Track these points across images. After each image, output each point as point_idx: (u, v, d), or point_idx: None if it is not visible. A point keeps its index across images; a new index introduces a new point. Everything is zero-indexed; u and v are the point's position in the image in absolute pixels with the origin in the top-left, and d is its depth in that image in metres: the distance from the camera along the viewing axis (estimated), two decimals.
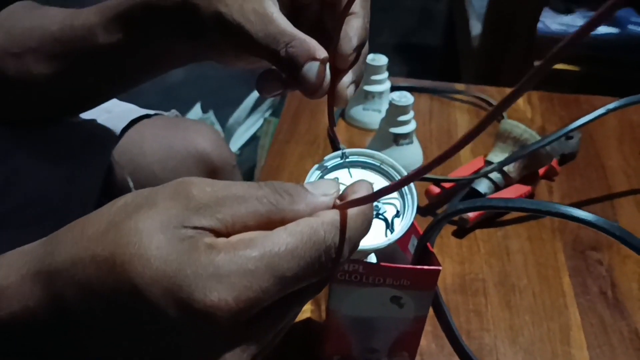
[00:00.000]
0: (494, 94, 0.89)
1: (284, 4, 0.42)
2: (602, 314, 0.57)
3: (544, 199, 0.70)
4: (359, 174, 0.42)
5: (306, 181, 0.42)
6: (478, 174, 0.66)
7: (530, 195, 0.70)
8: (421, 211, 0.68)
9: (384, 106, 0.80)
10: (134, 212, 0.27)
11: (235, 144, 1.36)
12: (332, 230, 0.28)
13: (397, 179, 0.41)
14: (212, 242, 0.26)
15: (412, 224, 0.40)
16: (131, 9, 0.46)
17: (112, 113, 0.62)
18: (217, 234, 0.27)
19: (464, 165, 0.71)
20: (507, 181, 0.68)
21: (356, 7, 0.39)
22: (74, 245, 0.27)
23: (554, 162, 0.72)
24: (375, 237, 0.39)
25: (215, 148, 0.64)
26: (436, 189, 0.67)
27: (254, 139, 1.39)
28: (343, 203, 0.29)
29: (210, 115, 1.46)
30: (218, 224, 0.27)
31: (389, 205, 0.41)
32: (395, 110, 0.71)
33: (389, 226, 0.40)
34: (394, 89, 0.85)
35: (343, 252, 0.29)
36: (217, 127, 1.43)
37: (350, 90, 0.40)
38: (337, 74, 0.40)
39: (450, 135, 0.81)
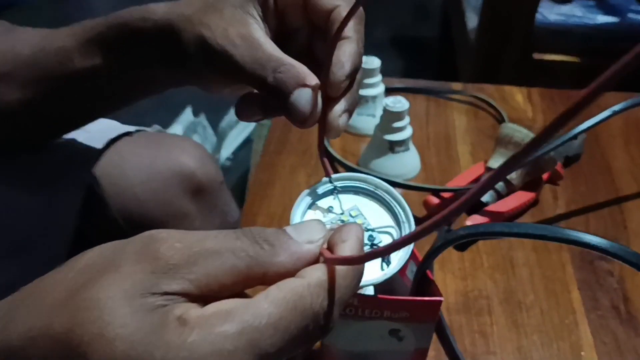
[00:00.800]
0: (493, 93, 0.85)
1: (271, 28, 0.39)
2: (615, 331, 0.54)
3: (549, 205, 0.67)
4: (351, 200, 0.38)
5: (295, 208, 0.38)
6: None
7: (535, 202, 0.67)
8: (420, 223, 0.65)
9: (378, 111, 0.76)
10: (95, 278, 0.24)
11: (228, 148, 1.33)
12: (320, 293, 0.25)
13: (392, 205, 0.38)
14: (185, 315, 0.23)
15: (412, 252, 0.37)
16: (108, 32, 0.43)
17: (91, 132, 0.59)
18: (191, 297, 0.24)
19: (464, 172, 0.68)
20: (510, 188, 0.65)
21: (349, 31, 0.36)
22: (30, 317, 0.24)
23: (558, 166, 0.69)
24: (370, 271, 0.36)
25: (201, 165, 0.60)
26: (435, 199, 0.63)
27: (247, 142, 1.36)
28: (331, 259, 0.26)
29: (202, 118, 1.42)
30: (190, 286, 0.24)
31: (384, 235, 0.38)
32: (389, 117, 0.67)
33: (385, 258, 0.37)
34: (388, 91, 0.81)
35: (333, 317, 0.25)
36: (209, 130, 1.40)
37: (342, 120, 0.37)
38: (328, 102, 0.36)
39: (449, 139, 0.77)
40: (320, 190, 0.38)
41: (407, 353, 0.43)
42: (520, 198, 0.64)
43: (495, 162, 0.65)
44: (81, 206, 0.56)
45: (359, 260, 0.26)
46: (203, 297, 0.25)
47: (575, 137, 0.59)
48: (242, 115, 0.38)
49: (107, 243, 0.27)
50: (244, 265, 0.25)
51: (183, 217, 0.60)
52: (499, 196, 0.64)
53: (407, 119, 0.68)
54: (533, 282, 0.58)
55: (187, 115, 1.43)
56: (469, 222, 0.61)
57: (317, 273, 0.25)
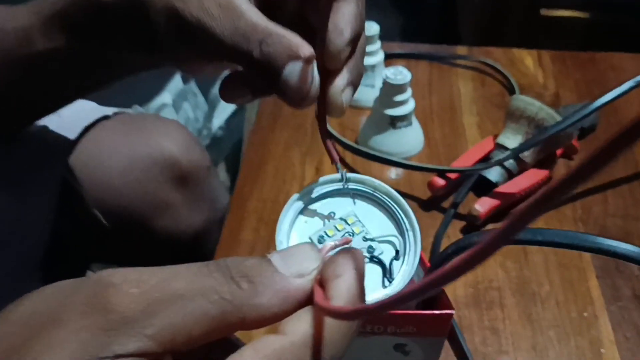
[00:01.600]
0: (501, 57, 0.79)
1: None
2: (638, 324, 0.50)
3: None
4: (347, 204, 0.33)
5: (281, 218, 0.33)
6: (488, 164, 0.57)
7: (548, 180, 0.61)
8: (424, 205, 0.60)
9: (378, 80, 0.70)
10: (37, 336, 0.19)
11: (220, 116, 1.26)
12: (305, 354, 0.20)
13: (394, 210, 0.33)
14: None
15: (420, 259, 0.32)
16: (71, 9, 0.37)
17: (64, 117, 0.53)
18: (151, 356, 0.20)
19: (471, 149, 0.63)
20: (522, 167, 0.59)
21: None
22: None
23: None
24: (369, 289, 0.31)
25: (185, 151, 0.55)
26: (441, 181, 0.58)
27: (240, 109, 1.30)
28: (322, 308, 0.21)
29: (192, 85, 1.35)
30: (150, 343, 0.19)
31: (386, 245, 0.33)
32: (390, 90, 0.62)
33: (387, 272, 0.32)
34: (387, 57, 0.75)
35: None
36: (200, 98, 1.33)
37: (346, 96, 0.31)
38: (328, 76, 0.31)
39: (454, 109, 0.72)
40: (316, 192, 0.33)
41: None
42: (533, 177, 0.59)
43: (506, 138, 0.60)
44: (57, 201, 0.51)
45: (355, 315, 0.21)
46: (169, 354, 0.20)
47: (595, 110, 0.54)
48: (226, 97, 0.33)
49: (51, 285, 0.22)
50: (217, 311, 0.20)
51: (166, 208, 0.55)
52: (510, 175, 0.59)
53: (409, 92, 0.63)
54: (548, 271, 0.54)
55: (176, 82, 1.36)
56: (477, 205, 0.56)
57: (302, 327, 0.21)
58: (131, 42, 0.35)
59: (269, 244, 0.57)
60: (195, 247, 0.63)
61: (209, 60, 0.34)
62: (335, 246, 0.30)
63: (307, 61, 0.29)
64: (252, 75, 0.32)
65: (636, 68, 0.76)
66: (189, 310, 0.20)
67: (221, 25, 0.30)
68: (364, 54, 0.33)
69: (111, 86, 0.42)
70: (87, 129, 0.53)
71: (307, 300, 0.22)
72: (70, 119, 0.54)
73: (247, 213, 0.59)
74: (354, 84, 0.32)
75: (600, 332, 0.49)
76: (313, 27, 0.34)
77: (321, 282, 0.23)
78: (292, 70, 0.29)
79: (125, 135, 0.54)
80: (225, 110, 1.29)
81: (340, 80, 0.31)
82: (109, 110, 0.57)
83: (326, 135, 0.33)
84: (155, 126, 0.57)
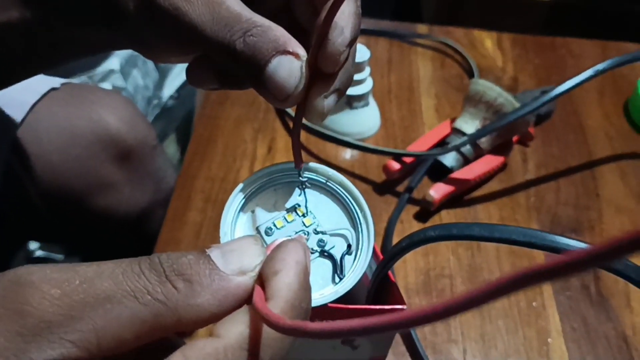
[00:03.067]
0: (461, 38, 0.77)
1: None
2: (585, 315, 0.50)
3: (518, 170, 0.61)
4: (298, 194, 0.31)
5: (229, 202, 0.31)
6: (445, 149, 0.56)
7: (503, 167, 0.61)
8: (378, 189, 0.59)
9: None
10: None
11: (171, 85, 1.21)
12: (240, 355, 0.19)
13: (347, 202, 0.31)
14: None
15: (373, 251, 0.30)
16: None
17: (10, 90, 0.48)
18: None
19: (428, 133, 0.61)
20: (478, 152, 0.58)
21: None
22: None
23: None
24: (319, 286, 0.30)
25: (129, 127, 0.51)
26: (396, 165, 0.57)
27: None
28: (259, 312, 0.19)
29: None
30: (73, 349, 0.18)
31: (337, 238, 0.31)
32: None
33: (338, 268, 0.30)
34: None
35: None
36: (150, 65, 1.28)
37: (329, 102, 0.28)
38: (316, 78, 0.28)
39: (412, 90, 0.70)
40: (259, 183, 0.31)
41: None
42: (488, 163, 0.59)
43: (464, 123, 0.58)
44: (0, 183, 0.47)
45: (293, 332, 0.19)
46: (97, 358, 0.18)
47: (547, 91, 0.53)
48: (193, 81, 0.30)
49: None
50: (149, 313, 0.19)
51: (108, 187, 0.52)
52: (466, 160, 0.58)
53: (367, 70, 0.60)
54: (499, 259, 0.54)
55: None
56: (432, 191, 0.55)
57: (238, 328, 0.19)
58: (94, 20, 0.31)
59: (217, 225, 0.54)
60: (139, 227, 0.60)
61: (181, 49, 0.30)
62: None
63: (297, 57, 0.26)
64: (225, 66, 0.29)
65: (595, 55, 0.76)
66: (116, 313, 0.18)
67: (199, 11, 0.27)
68: (355, 57, 0.30)
69: (68, 64, 0.38)
70: (36, 103, 0.49)
71: (249, 298, 0.21)
72: (17, 92, 0.49)
73: (194, 192, 0.57)
74: (341, 91, 0.29)
75: (548, 322, 0.49)
76: (300, 24, 0.31)
77: (260, 278, 0.22)
78: (279, 65, 0.26)
79: (66, 108, 0.50)
80: (176, 78, 1.24)
81: (329, 85, 0.28)
82: (57, 82, 0.52)
83: (298, 138, 0.30)
84: (98, 98, 0.53)
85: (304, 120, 0.30)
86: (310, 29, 0.29)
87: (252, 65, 0.26)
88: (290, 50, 0.26)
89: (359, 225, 0.31)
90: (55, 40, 0.35)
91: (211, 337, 0.20)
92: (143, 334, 0.19)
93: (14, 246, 0.59)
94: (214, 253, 0.21)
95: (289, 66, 0.26)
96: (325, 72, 0.28)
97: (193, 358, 0.18)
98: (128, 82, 1.17)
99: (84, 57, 0.36)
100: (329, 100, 0.28)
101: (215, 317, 0.20)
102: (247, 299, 0.21)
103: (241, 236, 0.27)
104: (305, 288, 0.22)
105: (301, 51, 0.27)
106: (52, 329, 0.18)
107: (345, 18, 0.27)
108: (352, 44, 0.28)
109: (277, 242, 0.27)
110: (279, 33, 0.27)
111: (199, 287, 0.20)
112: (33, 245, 1.11)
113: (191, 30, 0.27)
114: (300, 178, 0.31)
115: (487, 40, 0.78)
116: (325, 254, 0.30)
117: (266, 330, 0.20)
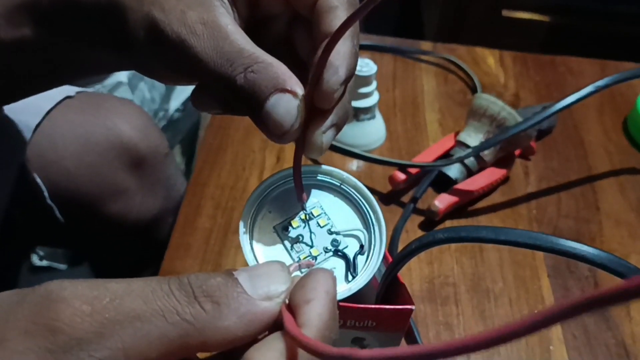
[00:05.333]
0: (464, 55, 0.79)
1: (241, 15, 0.31)
2: (586, 323, 0.51)
3: (520, 182, 0.63)
4: (314, 196, 0.33)
5: (249, 201, 0.32)
6: (449, 161, 0.57)
7: (506, 179, 0.62)
8: (384, 199, 0.60)
9: None
10: None
11: (178, 98, 1.23)
12: None
13: (360, 204, 0.33)
14: None
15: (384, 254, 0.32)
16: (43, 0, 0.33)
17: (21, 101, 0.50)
18: None
19: (433, 145, 0.63)
20: (481, 165, 0.60)
21: (340, 22, 0.27)
22: None
23: None
24: None
25: (143, 135, 0.53)
26: (401, 175, 0.58)
27: None
28: (294, 338, 0.20)
29: None
30: None
31: (350, 239, 0.32)
32: (355, 81, 0.61)
33: (351, 267, 0.32)
34: None
35: None
36: None
37: (327, 137, 0.29)
38: (313, 114, 0.29)
39: (416, 105, 0.72)
40: (276, 185, 0.32)
41: None
42: (491, 175, 0.60)
43: (467, 136, 0.60)
44: (12, 186, 0.48)
45: (332, 357, 0.19)
46: None
47: (555, 112, 0.55)
48: (197, 105, 0.30)
49: None
50: (176, 333, 0.19)
51: (121, 193, 0.53)
52: (470, 173, 0.60)
53: (374, 84, 0.62)
54: (502, 268, 0.55)
55: None
56: (437, 202, 0.56)
57: (274, 355, 0.20)
58: (104, 45, 0.32)
59: (226, 231, 0.56)
60: (150, 233, 0.61)
61: (184, 78, 0.32)
62: (299, 267, 0.29)
63: (295, 95, 0.27)
64: (228, 97, 0.30)
65: (594, 73, 0.78)
66: (145, 332, 0.19)
67: (204, 45, 0.27)
68: (352, 95, 0.31)
69: (78, 80, 0.39)
70: (50, 110, 0.50)
71: (273, 323, 0.21)
72: (33, 98, 0.51)
73: (204, 199, 0.58)
74: (339, 126, 0.30)
75: (549, 330, 0.50)
76: (300, 57, 0.32)
77: (290, 306, 0.22)
78: (277, 103, 0.27)
79: (81, 115, 0.52)
80: (183, 92, 1.26)
81: (326, 121, 0.29)
82: (72, 90, 0.53)
83: (299, 173, 0.31)
84: (113, 107, 0.55)
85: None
86: (309, 63, 0.30)
87: (251, 100, 0.27)
88: (289, 89, 0.27)
89: (372, 227, 0.32)
90: (66, 59, 0.36)
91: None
92: (169, 353, 0.19)
93: (22, 251, 0.60)
94: (242, 276, 0.21)
95: (287, 104, 0.27)
96: (321, 108, 0.29)
97: None
98: (135, 95, 1.19)
99: (90, 76, 0.37)
100: (327, 135, 0.29)
101: (239, 340, 0.21)
102: (271, 325, 0.21)
103: (268, 261, 0.28)
104: (334, 318, 0.22)
105: (299, 90, 0.27)
106: (82, 346, 0.18)
107: (340, 58, 0.27)
108: (346, 82, 0.28)
109: (292, 267, 0.28)
110: (280, 70, 0.27)
111: (227, 309, 0.20)
112: (37, 254, 1.12)
113: (195, 62, 0.28)
114: (303, 211, 0.31)
115: (490, 58, 0.80)
116: (339, 253, 0.32)
117: (302, 356, 0.20)
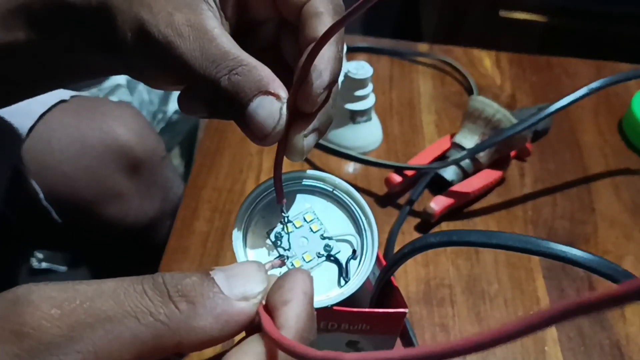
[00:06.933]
0: (461, 56, 0.80)
1: (228, 19, 0.31)
2: (581, 324, 0.51)
3: (515, 184, 0.63)
4: (306, 201, 0.33)
5: (243, 206, 0.33)
6: (445, 163, 0.58)
7: (502, 181, 0.63)
8: (380, 201, 0.60)
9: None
10: None
11: (176, 100, 1.24)
12: None
13: (352, 209, 0.33)
14: None
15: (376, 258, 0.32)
16: (34, 4, 0.34)
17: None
18: None
19: (429, 147, 0.63)
20: (477, 166, 0.60)
21: (324, 27, 0.28)
22: None
23: None
24: (325, 288, 0.31)
25: (139, 138, 0.53)
26: (397, 177, 0.59)
27: None
28: (272, 339, 0.20)
29: None
30: None
31: (343, 243, 0.33)
32: (351, 84, 0.61)
33: (343, 271, 0.32)
34: (349, 51, 0.75)
35: None
36: None
37: (309, 141, 0.29)
38: (296, 118, 0.29)
39: (413, 107, 0.72)
40: (269, 190, 0.33)
41: None
42: (487, 177, 0.60)
43: (463, 138, 0.60)
44: (7, 188, 0.48)
45: (311, 358, 0.19)
46: None
47: (550, 114, 0.55)
48: (184, 109, 0.31)
49: None
50: (150, 334, 0.19)
51: (118, 197, 0.53)
52: (465, 174, 0.60)
53: (370, 87, 0.63)
54: (497, 270, 0.55)
55: None
56: (433, 204, 0.57)
57: (251, 358, 0.20)
58: (96, 47, 0.33)
59: (224, 234, 0.56)
60: (147, 236, 0.61)
61: (171, 80, 0.32)
62: (272, 266, 0.30)
63: (276, 98, 0.28)
64: (213, 99, 0.30)
65: (589, 74, 0.78)
66: (116, 334, 0.19)
67: (190, 46, 0.28)
68: (335, 100, 0.32)
69: (71, 85, 0.39)
70: (44, 114, 0.51)
71: (249, 324, 0.21)
72: (25, 102, 0.51)
73: (201, 202, 0.58)
74: (321, 131, 0.30)
75: (544, 331, 0.51)
76: (287, 63, 0.33)
77: (267, 307, 0.22)
78: (260, 105, 0.27)
79: (77, 119, 0.52)
80: None
81: (308, 125, 0.29)
82: (66, 94, 0.54)
83: (280, 175, 0.31)
84: (109, 110, 0.55)
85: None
86: (295, 67, 0.30)
87: (234, 102, 0.28)
88: (272, 92, 0.27)
89: (364, 232, 0.32)
90: (59, 63, 0.36)
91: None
92: (143, 354, 0.19)
93: (19, 255, 0.61)
94: (218, 276, 0.21)
95: (269, 107, 0.27)
96: (304, 111, 0.29)
97: None
98: (134, 97, 1.19)
99: (83, 80, 0.37)
100: (309, 140, 0.29)
101: (215, 340, 0.20)
102: (247, 326, 0.21)
103: (244, 261, 0.28)
104: (312, 320, 0.22)
105: (283, 93, 0.28)
106: (51, 350, 0.18)
107: (325, 62, 0.28)
108: (330, 86, 0.29)
109: (266, 266, 0.28)
110: (264, 73, 0.28)
111: (202, 309, 0.20)
112: (35, 257, 1.12)
113: (180, 63, 0.28)
114: (282, 214, 0.32)
115: (486, 59, 0.80)
116: (332, 258, 0.32)
117: (282, 359, 0.20)
